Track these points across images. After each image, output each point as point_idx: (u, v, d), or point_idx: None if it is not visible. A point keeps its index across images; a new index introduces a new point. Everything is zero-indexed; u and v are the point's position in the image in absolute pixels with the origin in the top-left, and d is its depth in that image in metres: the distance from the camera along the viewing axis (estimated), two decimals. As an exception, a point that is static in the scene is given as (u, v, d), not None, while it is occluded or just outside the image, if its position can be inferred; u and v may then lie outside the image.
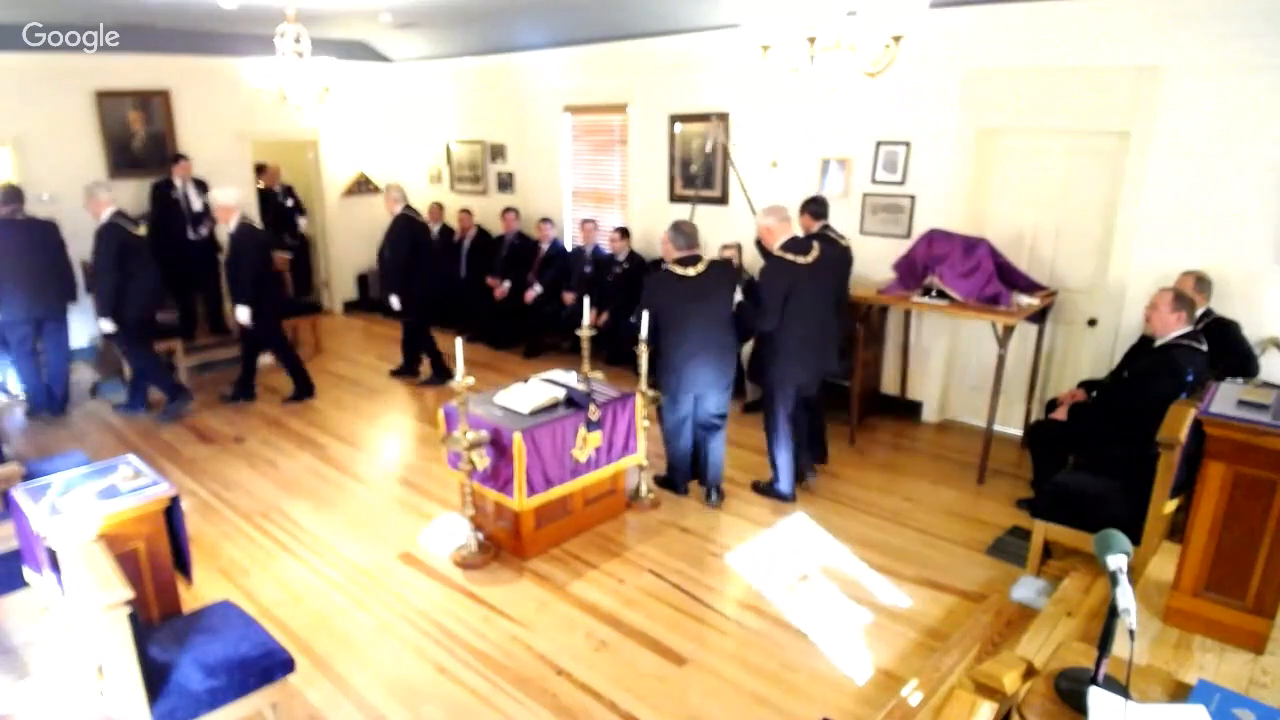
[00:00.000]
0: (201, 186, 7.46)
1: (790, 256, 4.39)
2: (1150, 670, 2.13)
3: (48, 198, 6.90)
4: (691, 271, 4.35)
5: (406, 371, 7.12)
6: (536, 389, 4.33)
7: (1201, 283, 4.28)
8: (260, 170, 9.00)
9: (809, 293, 4.41)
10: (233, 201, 5.94)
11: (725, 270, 4.55)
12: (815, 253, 4.46)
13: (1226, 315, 4.27)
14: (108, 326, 5.75)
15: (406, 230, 6.55)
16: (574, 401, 4.28)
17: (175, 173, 7.31)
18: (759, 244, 4.85)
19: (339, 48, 8.17)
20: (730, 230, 6.61)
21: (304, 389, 6.59)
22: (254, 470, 5.26)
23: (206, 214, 7.42)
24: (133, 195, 7.55)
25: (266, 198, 9.13)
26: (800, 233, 4.85)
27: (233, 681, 2.61)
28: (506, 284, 7.86)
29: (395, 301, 6.64)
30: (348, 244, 9.48)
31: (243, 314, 6.05)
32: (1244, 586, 2.80)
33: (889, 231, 5.79)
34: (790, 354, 4.48)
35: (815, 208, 5.32)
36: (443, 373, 6.85)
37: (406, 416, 6.32)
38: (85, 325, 7.31)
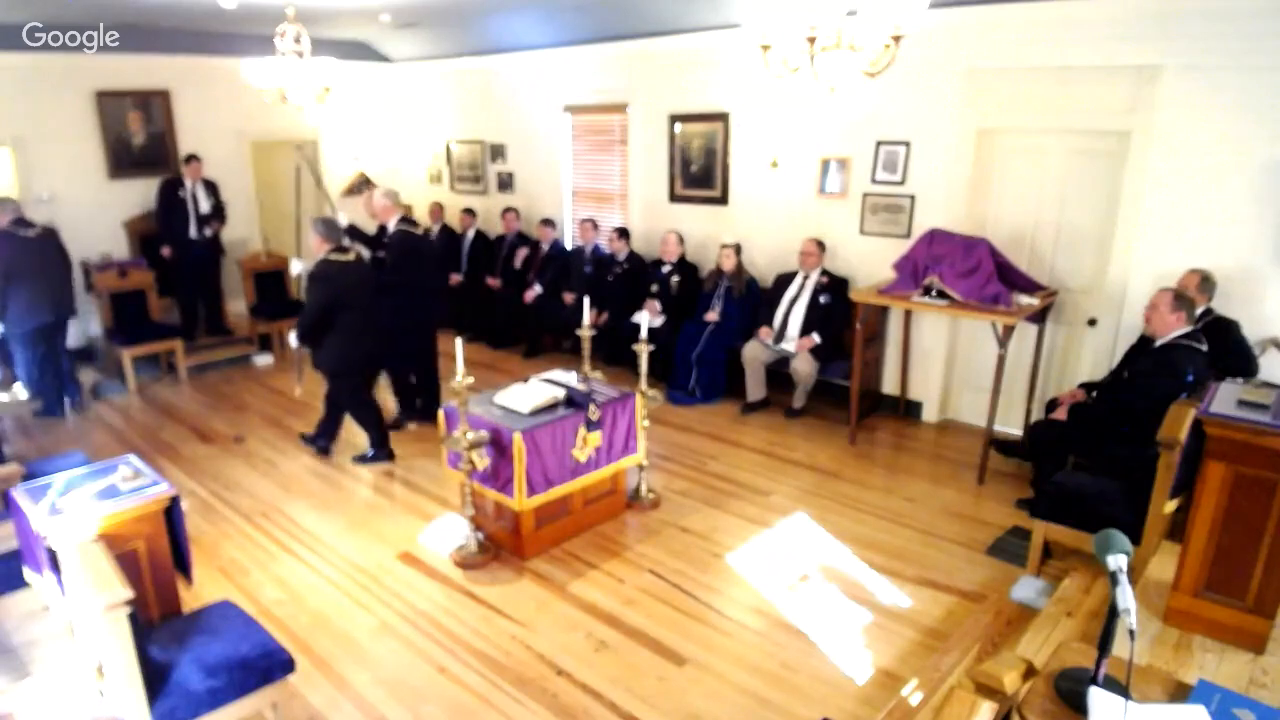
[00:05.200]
0: (210, 187, 7.47)
1: (408, 228, 5.58)
2: (1150, 670, 2.13)
3: (48, 196, 6.91)
4: (351, 257, 4.95)
5: (57, 408, 6.11)
6: (536, 389, 4.33)
7: (1206, 282, 4.28)
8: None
9: (428, 256, 5.77)
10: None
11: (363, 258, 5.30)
12: (422, 228, 5.83)
13: (1227, 315, 4.27)
14: None
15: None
16: (574, 401, 4.27)
17: (186, 173, 7.33)
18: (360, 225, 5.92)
19: (339, 48, 8.18)
20: (731, 231, 6.62)
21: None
22: (254, 470, 5.25)
23: (213, 215, 7.43)
24: (136, 195, 7.58)
25: None
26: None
27: (233, 681, 2.61)
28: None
29: None
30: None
31: None
32: (1244, 586, 2.80)
33: (889, 231, 5.79)
34: (424, 296, 5.43)
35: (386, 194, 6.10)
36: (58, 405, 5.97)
37: (406, 416, 6.31)
38: (80, 326, 7.34)
